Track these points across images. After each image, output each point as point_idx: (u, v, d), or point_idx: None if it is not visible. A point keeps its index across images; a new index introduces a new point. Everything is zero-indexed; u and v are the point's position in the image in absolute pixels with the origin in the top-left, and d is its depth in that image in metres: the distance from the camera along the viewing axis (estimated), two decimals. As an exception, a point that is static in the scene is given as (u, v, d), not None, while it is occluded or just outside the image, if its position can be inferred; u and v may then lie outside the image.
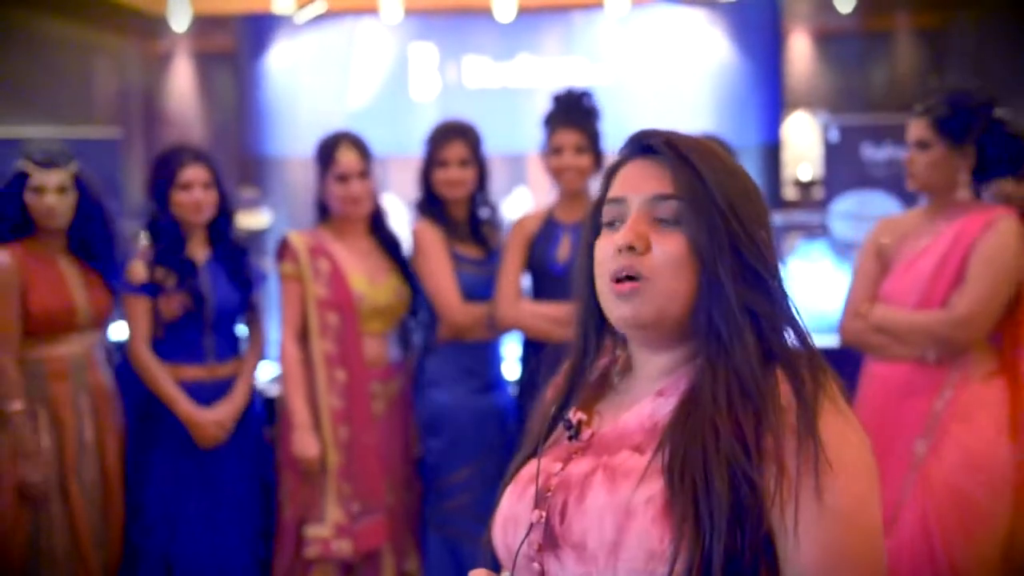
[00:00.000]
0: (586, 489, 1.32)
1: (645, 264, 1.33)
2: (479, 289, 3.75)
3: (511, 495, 1.44)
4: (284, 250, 3.72)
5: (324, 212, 3.81)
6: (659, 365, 1.40)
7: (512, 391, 3.89)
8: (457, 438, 3.70)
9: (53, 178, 3.52)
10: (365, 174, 3.71)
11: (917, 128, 3.15)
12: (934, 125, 3.12)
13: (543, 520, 1.35)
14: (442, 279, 3.70)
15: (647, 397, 1.38)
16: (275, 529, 3.76)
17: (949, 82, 3.37)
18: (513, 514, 1.41)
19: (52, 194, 3.52)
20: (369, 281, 3.71)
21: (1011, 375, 3.11)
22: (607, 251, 1.37)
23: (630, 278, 1.33)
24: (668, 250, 1.33)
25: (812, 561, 1.22)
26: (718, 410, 1.27)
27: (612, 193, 1.40)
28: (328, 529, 3.59)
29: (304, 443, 3.59)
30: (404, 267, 3.84)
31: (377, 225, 3.86)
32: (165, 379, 3.61)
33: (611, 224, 1.39)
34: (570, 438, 1.42)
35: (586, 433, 1.41)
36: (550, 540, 1.33)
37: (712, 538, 1.20)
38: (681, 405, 1.32)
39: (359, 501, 3.62)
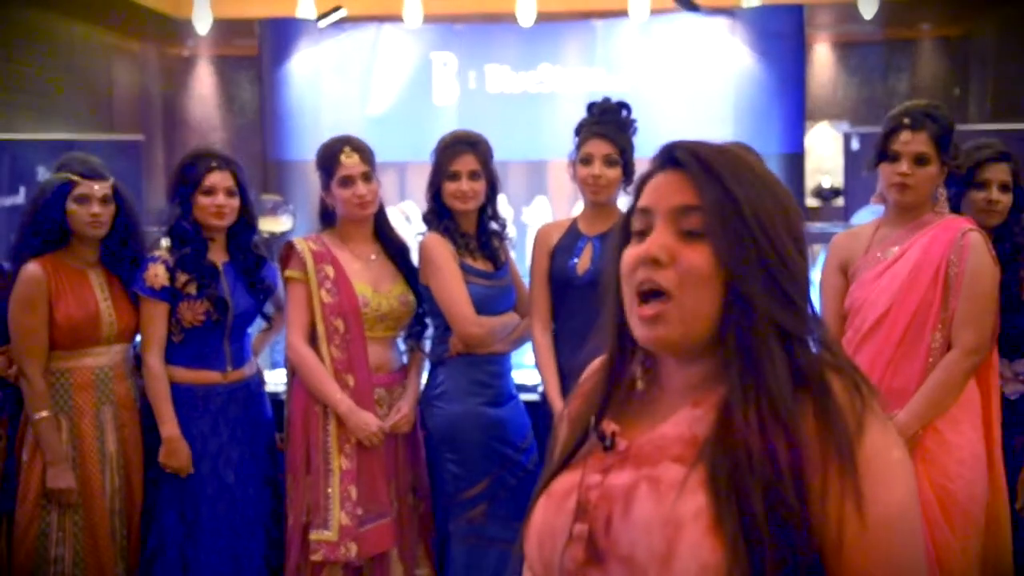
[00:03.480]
0: (631, 501, 1.29)
1: (669, 277, 1.30)
2: (488, 302, 3.72)
3: (546, 507, 1.40)
4: (290, 255, 3.71)
5: (327, 219, 3.80)
6: (689, 377, 1.37)
7: (529, 400, 3.88)
8: (471, 451, 3.66)
9: (99, 188, 3.55)
10: (369, 177, 3.70)
11: (917, 143, 3.22)
12: (934, 141, 3.22)
13: (586, 533, 1.32)
14: (455, 291, 3.66)
15: (682, 408, 1.35)
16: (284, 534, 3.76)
17: (941, 94, 3.55)
18: (550, 527, 1.37)
19: (97, 203, 3.54)
20: (373, 287, 3.69)
21: (983, 377, 3.27)
22: (631, 262, 1.35)
23: (656, 294, 1.31)
24: (693, 262, 1.30)
25: (864, 571, 1.22)
26: (751, 431, 1.24)
27: (640, 203, 1.38)
28: (333, 533, 3.59)
29: (361, 420, 3.57)
30: (409, 273, 3.83)
31: (381, 231, 3.84)
32: (164, 394, 3.62)
33: (640, 234, 1.36)
34: (605, 449, 1.38)
35: (621, 444, 1.38)
36: (594, 554, 1.30)
37: (762, 556, 1.19)
38: (717, 421, 1.29)
39: (364, 506, 3.61)
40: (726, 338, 1.31)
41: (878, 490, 1.23)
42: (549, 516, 1.38)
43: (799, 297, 1.32)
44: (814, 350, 1.32)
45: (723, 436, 1.26)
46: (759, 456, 1.23)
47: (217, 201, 3.63)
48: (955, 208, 3.52)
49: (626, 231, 1.41)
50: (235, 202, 3.68)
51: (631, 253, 1.36)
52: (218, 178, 3.64)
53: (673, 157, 1.37)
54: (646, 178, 1.41)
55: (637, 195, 1.41)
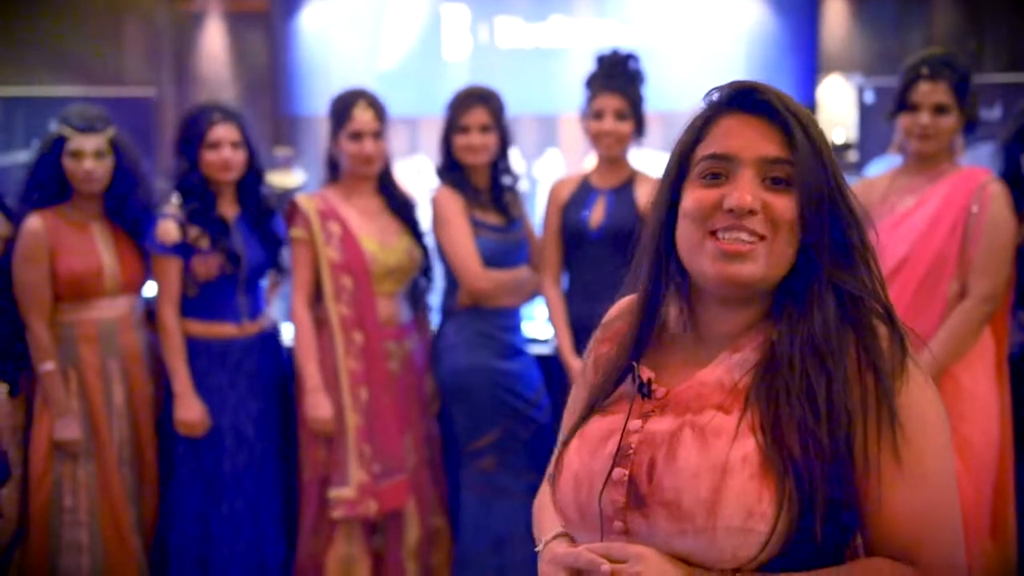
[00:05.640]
0: (676, 447, 1.31)
1: (758, 223, 1.32)
2: (500, 256, 3.74)
3: (580, 451, 1.41)
4: (294, 214, 3.70)
5: (334, 169, 3.80)
6: (732, 322, 1.38)
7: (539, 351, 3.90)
8: (480, 402, 3.68)
9: (91, 142, 3.54)
10: (379, 134, 3.69)
11: (937, 93, 3.21)
12: (953, 90, 3.21)
13: (626, 478, 1.34)
14: (463, 246, 3.68)
15: (721, 354, 1.37)
16: (298, 490, 3.79)
17: (962, 46, 3.53)
18: (587, 472, 1.38)
19: (90, 158, 3.54)
20: (379, 242, 3.70)
21: (996, 326, 3.31)
22: (708, 204, 1.34)
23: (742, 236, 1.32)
24: (782, 210, 1.32)
25: (899, 515, 1.26)
26: (794, 371, 1.28)
27: (718, 148, 1.36)
28: (352, 491, 3.61)
29: (317, 404, 3.60)
30: (414, 227, 3.83)
31: (385, 185, 3.84)
32: (178, 349, 3.63)
33: (714, 177, 1.36)
34: (642, 396, 1.39)
35: (659, 390, 1.39)
36: (636, 499, 1.32)
37: (810, 500, 1.23)
38: (761, 366, 1.32)
39: (380, 462, 3.63)
40: (787, 284, 1.34)
41: (915, 438, 1.26)
42: (585, 460, 1.40)
43: (859, 249, 1.34)
44: (865, 301, 1.34)
45: (769, 382, 1.30)
46: (802, 395, 1.27)
47: (223, 155, 3.62)
48: (1014, 169, 3.51)
49: (679, 169, 1.40)
50: (241, 155, 3.67)
51: (708, 195, 1.35)
52: (222, 131, 3.63)
53: (751, 100, 1.36)
54: (711, 117, 1.39)
55: (699, 134, 1.39)
